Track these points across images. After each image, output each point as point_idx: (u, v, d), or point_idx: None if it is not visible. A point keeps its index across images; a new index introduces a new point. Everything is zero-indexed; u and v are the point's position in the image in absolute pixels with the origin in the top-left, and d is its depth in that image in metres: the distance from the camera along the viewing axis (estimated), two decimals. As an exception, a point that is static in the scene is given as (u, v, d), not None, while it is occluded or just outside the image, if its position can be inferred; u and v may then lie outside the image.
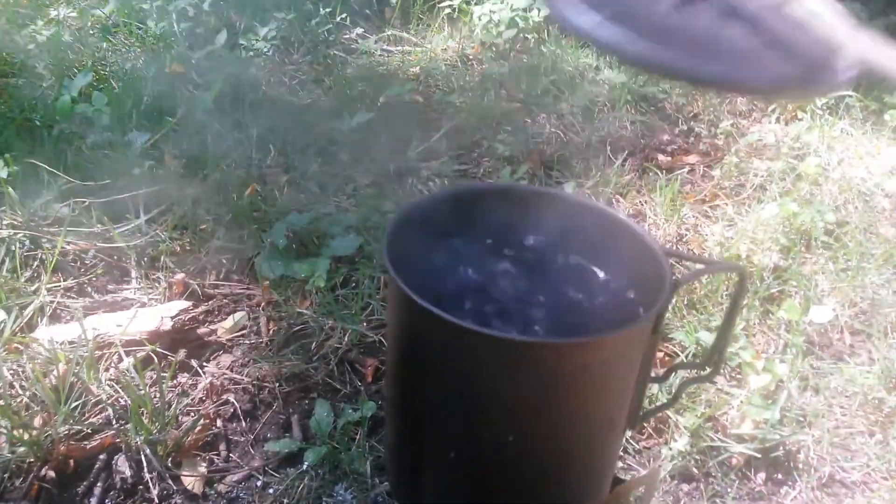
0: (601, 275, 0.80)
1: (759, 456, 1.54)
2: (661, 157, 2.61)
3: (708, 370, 0.86)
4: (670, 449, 1.53)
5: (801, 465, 1.58)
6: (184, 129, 2.39)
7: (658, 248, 0.77)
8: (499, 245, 0.82)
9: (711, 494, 1.51)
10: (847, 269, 2.14)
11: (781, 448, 1.58)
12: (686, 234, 2.24)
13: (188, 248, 1.98)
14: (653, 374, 0.93)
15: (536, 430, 0.67)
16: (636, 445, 1.59)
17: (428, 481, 0.76)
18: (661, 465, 1.53)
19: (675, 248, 2.17)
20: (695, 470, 1.54)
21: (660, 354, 1.81)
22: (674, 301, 1.91)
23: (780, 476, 1.57)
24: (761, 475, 1.56)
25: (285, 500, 1.35)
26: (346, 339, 1.73)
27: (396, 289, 0.66)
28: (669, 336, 1.84)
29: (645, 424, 1.60)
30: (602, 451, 0.75)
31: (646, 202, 2.34)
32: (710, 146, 2.73)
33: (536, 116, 2.76)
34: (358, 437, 1.47)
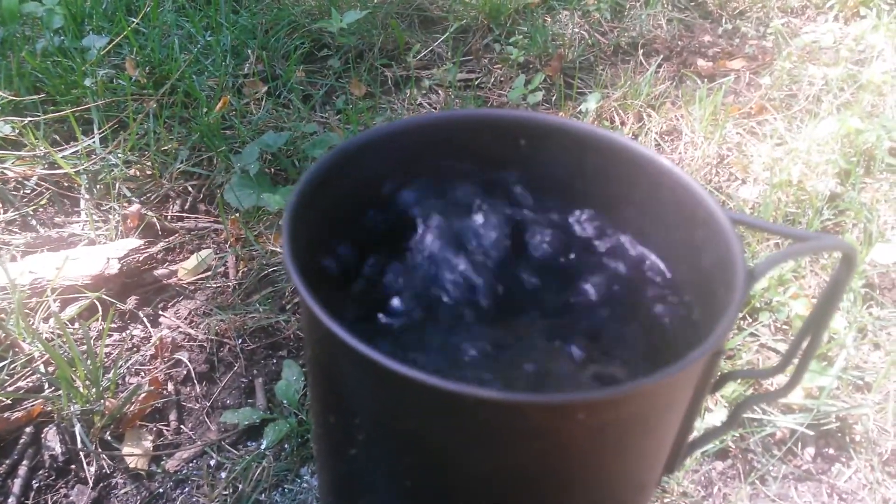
0: (639, 256, 0.53)
1: (811, 432, 1.30)
2: (700, 62, 2.25)
3: (780, 383, 0.60)
4: (702, 420, 1.29)
5: (857, 439, 1.33)
6: (149, 30, 2.07)
7: (722, 214, 0.50)
8: (468, 207, 0.55)
9: (749, 471, 1.28)
10: (916, 196, 1.83)
11: (834, 418, 1.34)
12: (728, 155, 1.92)
13: (148, 172, 1.72)
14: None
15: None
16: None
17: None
18: None
19: (714, 172, 1.87)
20: (732, 445, 1.30)
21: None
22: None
23: (831, 451, 1.33)
24: (809, 450, 1.32)
25: (240, 486, 1.14)
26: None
27: (307, 309, 0.40)
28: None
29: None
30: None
31: (682, 116, 2.01)
32: (758, 49, 2.36)
33: (557, 14, 2.39)
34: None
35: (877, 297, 1.59)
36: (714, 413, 1.30)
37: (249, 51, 2.08)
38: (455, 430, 0.39)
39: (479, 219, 0.55)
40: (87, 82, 1.83)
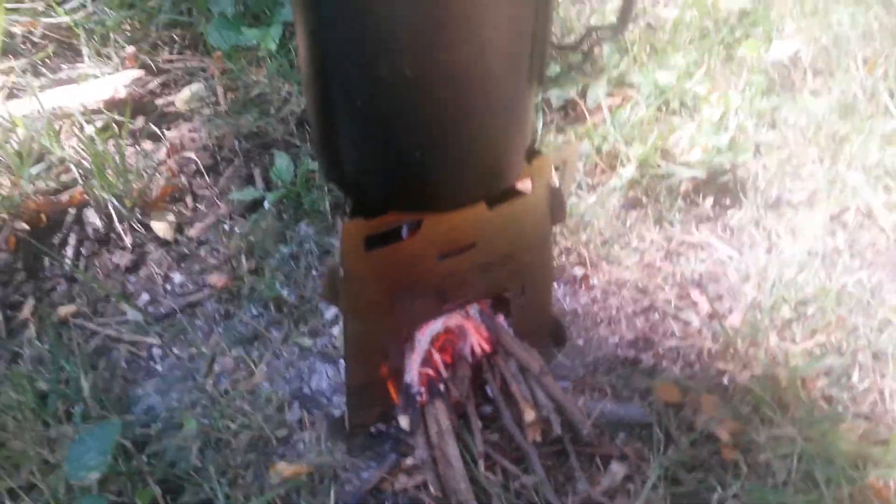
0: None
1: (705, 177, 1.59)
2: None
3: (618, 27, 0.86)
4: (620, 177, 1.59)
5: (749, 190, 1.64)
6: None
7: None
8: None
9: (658, 218, 1.58)
10: (815, 11, 2.09)
11: (731, 175, 1.64)
12: (652, -15, 2.16)
13: (137, 25, 1.93)
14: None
15: (432, 62, 0.69)
16: (590, 181, 1.64)
17: (345, 146, 0.80)
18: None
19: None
20: (643, 198, 1.60)
21: (616, 100, 1.82)
22: (634, 47, 1.89)
23: (727, 201, 1.64)
24: (709, 200, 1.63)
25: (252, 238, 1.43)
26: (303, 100, 1.73)
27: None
28: (627, 81, 1.84)
29: (597, 160, 1.65)
30: (506, 93, 0.77)
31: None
32: None
33: None
34: (318, 181, 1.52)
35: (776, 89, 1.88)
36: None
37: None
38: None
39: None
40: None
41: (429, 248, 0.95)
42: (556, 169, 1.05)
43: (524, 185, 1.01)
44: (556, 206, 1.03)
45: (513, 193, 0.99)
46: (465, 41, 0.69)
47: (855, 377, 1.30)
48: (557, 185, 1.04)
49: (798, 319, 1.38)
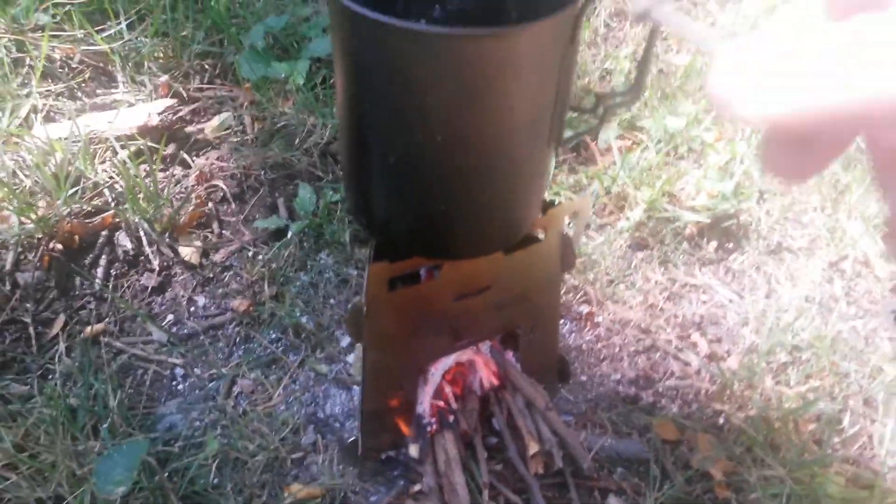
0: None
1: (709, 222, 1.66)
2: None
3: (630, 95, 0.93)
4: (627, 219, 1.66)
5: (751, 235, 1.70)
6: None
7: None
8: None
9: (663, 260, 1.65)
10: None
11: (735, 220, 1.71)
12: (665, 31, 2.24)
13: (171, 54, 2.02)
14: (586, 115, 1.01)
15: (461, 128, 0.76)
16: (598, 221, 1.71)
17: (376, 194, 0.87)
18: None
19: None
20: (650, 239, 1.67)
21: (627, 143, 1.90)
22: (646, 93, 1.97)
23: (730, 245, 1.70)
24: (713, 244, 1.69)
25: (274, 265, 1.50)
26: (326, 133, 1.81)
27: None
28: (638, 125, 1.92)
29: (606, 201, 1.72)
30: (527, 155, 0.84)
31: None
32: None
33: None
34: (338, 213, 1.60)
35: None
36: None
37: (247, -48, 2.35)
38: (422, 61, 0.71)
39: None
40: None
41: (447, 290, 1.02)
42: (569, 216, 1.11)
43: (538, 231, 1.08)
44: (566, 254, 1.10)
45: (528, 239, 1.05)
46: (494, 112, 0.77)
47: (845, 422, 1.36)
48: (570, 233, 1.11)
49: (793, 364, 1.44)
